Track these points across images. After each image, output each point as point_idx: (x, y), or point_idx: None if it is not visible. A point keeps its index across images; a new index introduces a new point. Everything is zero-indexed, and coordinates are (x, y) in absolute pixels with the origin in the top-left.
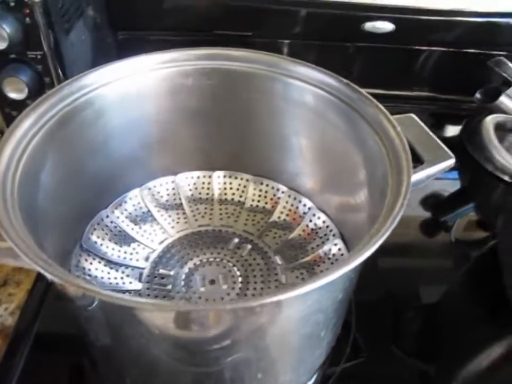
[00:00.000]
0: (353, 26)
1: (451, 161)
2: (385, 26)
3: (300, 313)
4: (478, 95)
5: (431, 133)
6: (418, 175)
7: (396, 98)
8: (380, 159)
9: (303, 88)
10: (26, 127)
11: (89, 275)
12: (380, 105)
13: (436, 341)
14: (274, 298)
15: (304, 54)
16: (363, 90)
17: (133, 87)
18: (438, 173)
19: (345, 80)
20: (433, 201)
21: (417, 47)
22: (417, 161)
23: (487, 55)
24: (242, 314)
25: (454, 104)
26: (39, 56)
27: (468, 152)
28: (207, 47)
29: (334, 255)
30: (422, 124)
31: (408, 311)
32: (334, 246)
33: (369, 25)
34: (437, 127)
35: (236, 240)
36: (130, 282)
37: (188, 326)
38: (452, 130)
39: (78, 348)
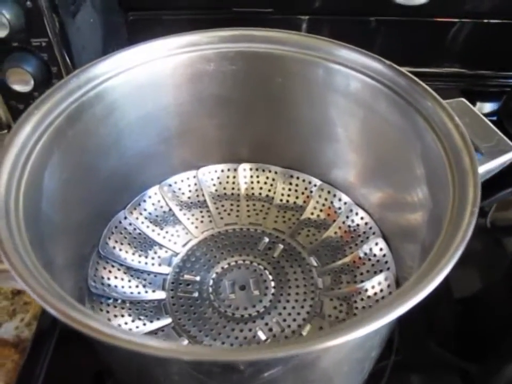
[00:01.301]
0: None
1: None
2: None
3: (356, 341)
4: None
5: (486, 120)
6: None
7: (425, 76)
8: (437, 155)
9: (348, 75)
10: (30, 128)
11: (109, 285)
12: (435, 94)
13: (477, 338)
14: (341, 340)
15: (326, 30)
16: (412, 75)
17: (148, 76)
18: (498, 167)
19: (387, 62)
20: None
21: (449, 20)
22: None
23: None
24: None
25: (486, 80)
26: (43, 44)
27: (508, 132)
28: (229, 28)
29: (375, 255)
30: (475, 110)
31: (445, 305)
32: (375, 246)
33: None
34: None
35: (266, 239)
36: (154, 291)
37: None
38: (485, 108)
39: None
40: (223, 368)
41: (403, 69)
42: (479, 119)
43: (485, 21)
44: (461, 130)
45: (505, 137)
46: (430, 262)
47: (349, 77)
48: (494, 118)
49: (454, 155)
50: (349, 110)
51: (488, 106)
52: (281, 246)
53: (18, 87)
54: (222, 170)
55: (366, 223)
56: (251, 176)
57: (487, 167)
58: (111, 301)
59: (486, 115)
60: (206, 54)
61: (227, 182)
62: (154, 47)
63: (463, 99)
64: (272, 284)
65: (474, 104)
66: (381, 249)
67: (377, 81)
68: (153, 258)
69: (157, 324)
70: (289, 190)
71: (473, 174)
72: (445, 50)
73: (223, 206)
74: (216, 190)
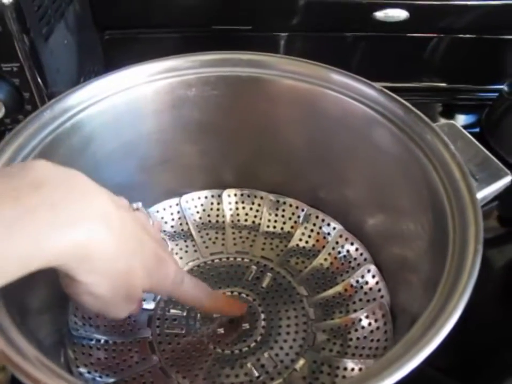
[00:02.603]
0: (362, 15)
1: (507, 179)
2: (399, 14)
3: None
4: (505, 87)
5: (478, 144)
6: None
7: (404, 91)
8: (434, 185)
9: (339, 100)
10: (1, 166)
11: (91, 325)
12: (428, 120)
13: (467, 358)
14: None
15: (305, 46)
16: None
17: (127, 104)
18: (493, 193)
19: (378, 87)
20: None
21: (428, 35)
22: None
23: (503, 40)
24: None
25: (464, 94)
26: (15, 69)
27: (490, 145)
28: (211, 52)
29: (367, 283)
30: (467, 133)
31: None
32: (367, 273)
33: (380, 14)
34: (449, 118)
35: (254, 268)
36: (139, 329)
37: None
38: (464, 121)
39: None
40: None
41: (382, 84)
42: (471, 143)
43: (461, 36)
44: (457, 160)
45: (498, 162)
46: (433, 308)
47: (339, 102)
48: (476, 130)
49: (451, 186)
50: (339, 135)
51: (467, 119)
52: (269, 275)
53: None
54: (206, 197)
55: (356, 249)
56: (236, 203)
57: (483, 194)
58: (93, 342)
59: (465, 128)
60: (186, 79)
61: (211, 209)
62: (133, 73)
63: (454, 122)
64: (262, 316)
65: (453, 117)
66: (373, 276)
67: (368, 107)
68: None
69: (143, 365)
70: (276, 215)
71: (473, 207)
72: (424, 65)
73: (207, 234)
74: (200, 218)
